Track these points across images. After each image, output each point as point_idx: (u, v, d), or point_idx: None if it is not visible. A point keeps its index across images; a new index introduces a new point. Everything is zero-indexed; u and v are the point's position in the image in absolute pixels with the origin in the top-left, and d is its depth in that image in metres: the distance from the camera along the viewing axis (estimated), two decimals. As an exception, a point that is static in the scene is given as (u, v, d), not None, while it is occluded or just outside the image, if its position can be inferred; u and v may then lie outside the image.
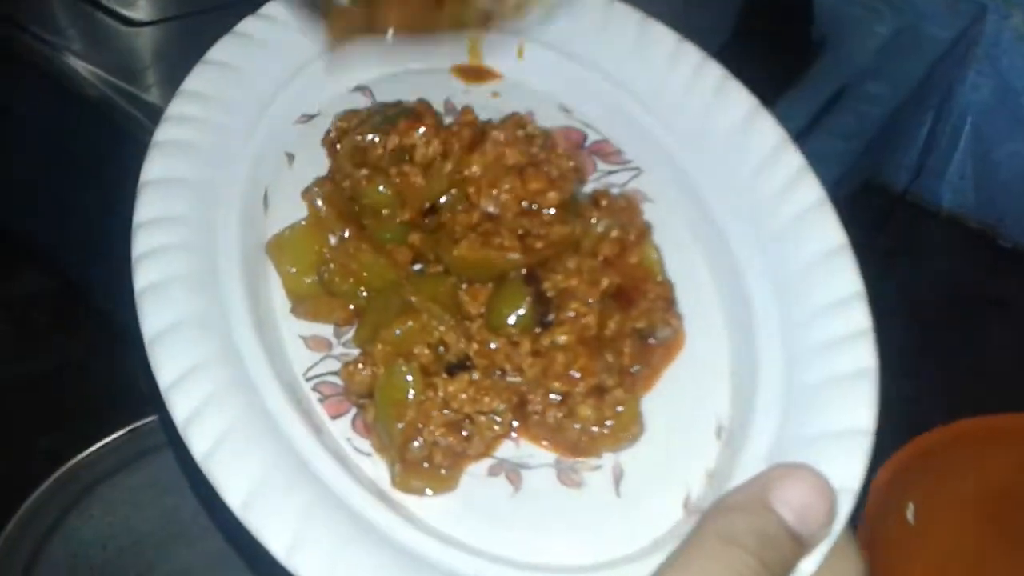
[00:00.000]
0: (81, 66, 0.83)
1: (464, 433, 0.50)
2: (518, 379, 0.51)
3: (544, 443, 0.51)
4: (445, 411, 0.49)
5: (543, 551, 0.48)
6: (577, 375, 0.51)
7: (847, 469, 0.47)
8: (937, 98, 1.11)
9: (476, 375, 0.51)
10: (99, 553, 0.74)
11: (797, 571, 0.44)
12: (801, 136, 0.62)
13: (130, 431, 0.76)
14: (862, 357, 0.51)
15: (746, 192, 0.57)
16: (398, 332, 0.51)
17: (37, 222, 0.96)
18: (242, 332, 0.50)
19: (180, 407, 0.46)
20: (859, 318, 0.52)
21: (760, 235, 0.56)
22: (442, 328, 0.51)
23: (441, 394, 0.50)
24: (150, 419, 0.76)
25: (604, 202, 0.57)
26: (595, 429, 0.51)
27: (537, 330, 0.52)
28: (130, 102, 0.80)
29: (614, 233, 0.55)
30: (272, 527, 0.44)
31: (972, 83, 1.12)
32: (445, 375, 0.51)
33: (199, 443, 0.46)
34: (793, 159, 0.57)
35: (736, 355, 0.54)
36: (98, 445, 0.76)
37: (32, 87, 0.88)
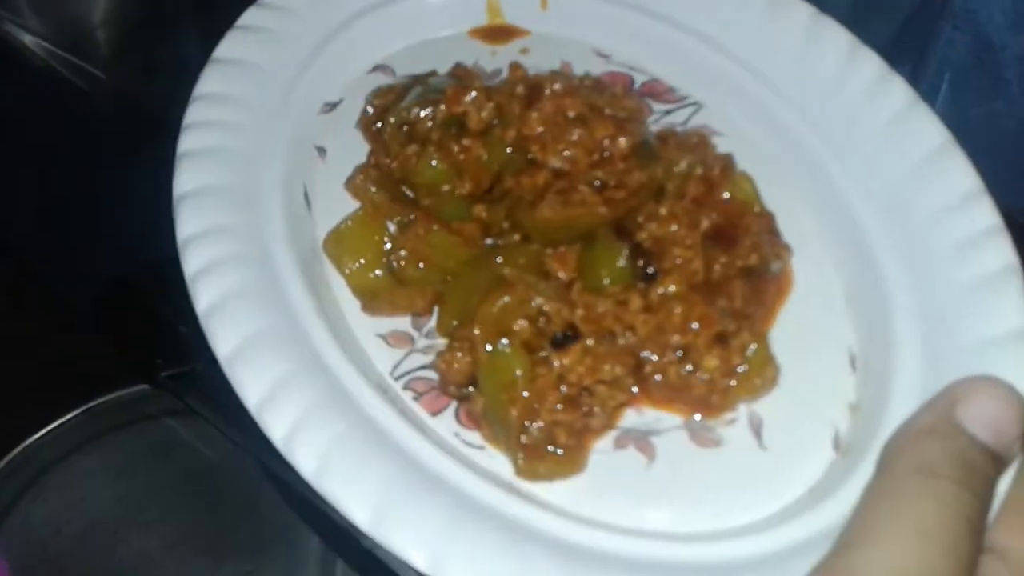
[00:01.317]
0: (27, 37, 0.80)
1: (583, 408, 0.46)
2: (630, 340, 0.48)
3: (672, 406, 0.48)
4: (562, 387, 0.46)
5: (691, 520, 0.45)
6: (696, 325, 0.47)
7: (1013, 374, 0.43)
8: (912, 55, 1.09)
9: (589, 342, 0.47)
10: (54, 537, 0.71)
11: None
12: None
13: (84, 411, 0.74)
14: (1002, 253, 0.47)
15: (827, 105, 0.54)
16: (495, 309, 0.47)
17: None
18: (321, 339, 0.47)
19: (276, 428, 0.43)
20: (987, 213, 0.49)
21: (852, 146, 0.52)
22: (540, 299, 0.48)
23: (556, 369, 0.46)
24: (104, 399, 0.74)
25: (672, 141, 0.54)
26: (726, 380, 0.47)
27: (641, 285, 0.48)
28: (74, 72, 0.78)
29: (698, 171, 0.52)
30: (410, 541, 0.41)
31: (948, 39, 1.10)
32: (552, 348, 0.47)
33: (307, 463, 0.42)
34: (872, 62, 0.54)
35: (851, 278, 0.51)
36: (52, 426, 0.73)
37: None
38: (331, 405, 0.44)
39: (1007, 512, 0.40)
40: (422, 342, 0.50)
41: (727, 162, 0.53)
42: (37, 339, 0.76)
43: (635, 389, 0.48)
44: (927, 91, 1.12)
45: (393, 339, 0.50)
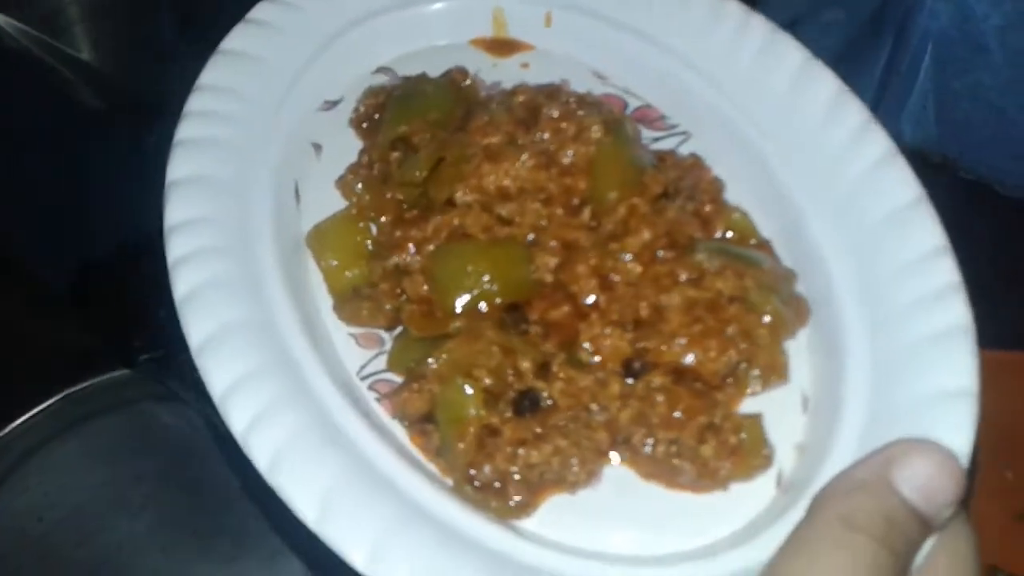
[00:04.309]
0: (2, 19, 0.79)
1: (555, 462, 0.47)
2: (611, 417, 0.48)
3: (659, 480, 0.48)
4: (510, 449, 0.47)
5: (633, 543, 0.46)
6: (679, 414, 0.48)
7: (954, 434, 0.44)
8: (894, 26, 1.08)
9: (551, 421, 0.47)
10: (35, 525, 0.71)
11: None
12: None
13: (64, 397, 0.74)
14: (955, 312, 0.48)
15: (810, 148, 0.54)
16: (464, 351, 0.48)
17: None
18: (291, 334, 0.48)
19: (236, 420, 0.44)
20: (947, 272, 0.50)
21: (829, 193, 0.53)
22: (514, 359, 0.48)
23: (506, 436, 0.47)
24: (85, 385, 0.73)
25: (669, 161, 0.55)
26: (720, 462, 0.48)
27: (629, 381, 0.49)
28: (52, 55, 0.77)
29: (689, 207, 0.53)
30: (350, 538, 0.42)
31: (931, 9, 1.10)
32: (513, 411, 0.47)
33: (261, 457, 0.43)
34: (856, 111, 0.55)
35: (815, 320, 0.52)
36: (31, 413, 0.73)
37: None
38: (293, 401, 0.45)
39: (925, 573, 0.41)
40: (391, 345, 0.51)
41: (716, 194, 0.54)
42: (15, 326, 0.75)
43: (616, 455, 0.48)
44: (910, 62, 1.12)
45: (364, 339, 0.51)
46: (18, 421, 0.73)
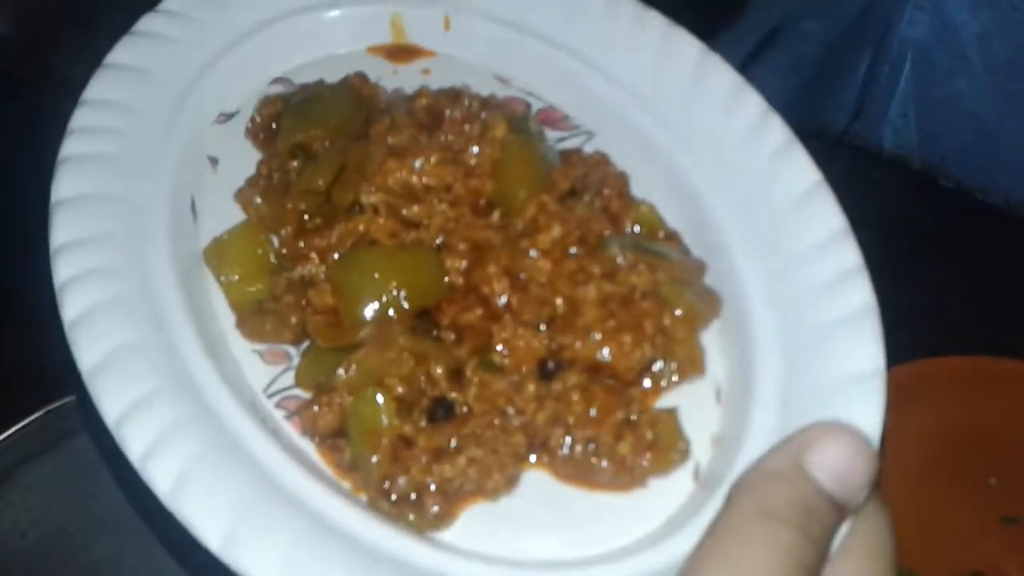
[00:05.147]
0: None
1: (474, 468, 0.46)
2: (527, 420, 0.47)
3: (578, 482, 0.47)
4: (425, 459, 0.46)
5: (548, 547, 0.45)
6: (594, 412, 0.47)
7: (865, 415, 0.44)
8: (874, 35, 1.09)
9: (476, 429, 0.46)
10: (19, 542, 0.70)
11: None
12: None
13: (47, 412, 0.73)
14: (860, 294, 0.48)
15: (709, 141, 0.55)
16: (372, 360, 0.47)
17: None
18: (189, 354, 0.46)
19: (134, 445, 0.43)
20: (849, 255, 0.49)
21: (731, 183, 0.53)
22: (425, 365, 0.47)
23: (420, 445, 0.46)
24: (68, 399, 0.73)
25: (575, 159, 0.54)
26: (638, 459, 0.47)
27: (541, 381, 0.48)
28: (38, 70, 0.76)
29: (597, 204, 0.53)
30: (258, 566, 0.41)
31: (910, 19, 1.10)
32: (427, 419, 0.46)
33: (162, 482, 0.42)
34: (753, 101, 0.55)
35: (723, 313, 0.51)
36: (14, 428, 0.72)
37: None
38: (193, 425, 0.44)
39: (841, 558, 0.40)
40: (298, 360, 0.50)
41: (622, 188, 0.54)
42: (-3, 339, 0.75)
43: (534, 458, 0.47)
44: (890, 71, 1.13)
45: (270, 356, 0.50)
46: (0, 436, 0.72)
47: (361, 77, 0.57)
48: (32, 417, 0.72)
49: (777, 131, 0.54)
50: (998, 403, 0.90)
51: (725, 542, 0.38)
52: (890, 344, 0.48)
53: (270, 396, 0.48)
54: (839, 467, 0.39)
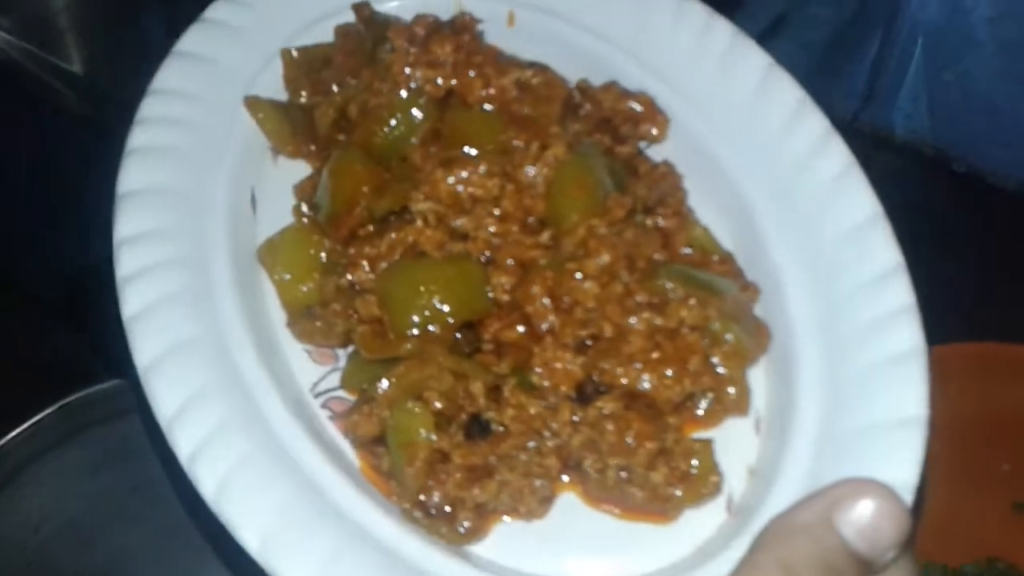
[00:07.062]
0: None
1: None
2: (562, 442, 0.47)
3: (608, 508, 0.47)
4: (459, 475, 0.46)
5: (584, 569, 0.45)
6: (631, 441, 0.47)
7: (903, 463, 0.44)
8: (883, 18, 1.08)
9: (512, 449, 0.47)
10: (31, 536, 0.71)
11: None
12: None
13: (59, 408, 0.73)
14: (910, 336, 0.47)
15: (769, 159, 0.54)
16: (414, 374, 0.47)
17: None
18: (242, 352, 0.47)
19: (183, 444, 0.43)
20: (902, 293, 0.49)
21: (788, 206, 0.52)
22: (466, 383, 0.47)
23: (456, 461, 0.46)
24: (79, 395, 0.73)
25: (643, 168, 0.54)
26: (671, 489, 0.47)
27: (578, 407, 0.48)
28: (45, 69, 0.76)
29: (648, 223, 0.52)
30: (293, 569, 0.41)
31: (920, 1, 1.09)
32: (464, 436, 0.47)
33: (207, 482, 0.43)
34: (818, 121, 0.54)
35: (770, 342, 0.51)
36: (27, 424, 0.73)
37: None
38: (240, 426, 0.44)
39: None
40: (345, 363, 0.50)
41: (678, 206, 0.53)
42: (8, 338, 0.75)
43: (566, 478, 0.48)
44: (900, 55, 1.12)
45: (318, 355, 0.50)
46: (13, 433, 0.72)
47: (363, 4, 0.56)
48: (44, 413, 0.73)
49: (839, 154, 0.53)
50: (1012, 389, 0.89)
51: None
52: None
53: (317, 395, 0.49)
54: (869, 526, 0.39)
